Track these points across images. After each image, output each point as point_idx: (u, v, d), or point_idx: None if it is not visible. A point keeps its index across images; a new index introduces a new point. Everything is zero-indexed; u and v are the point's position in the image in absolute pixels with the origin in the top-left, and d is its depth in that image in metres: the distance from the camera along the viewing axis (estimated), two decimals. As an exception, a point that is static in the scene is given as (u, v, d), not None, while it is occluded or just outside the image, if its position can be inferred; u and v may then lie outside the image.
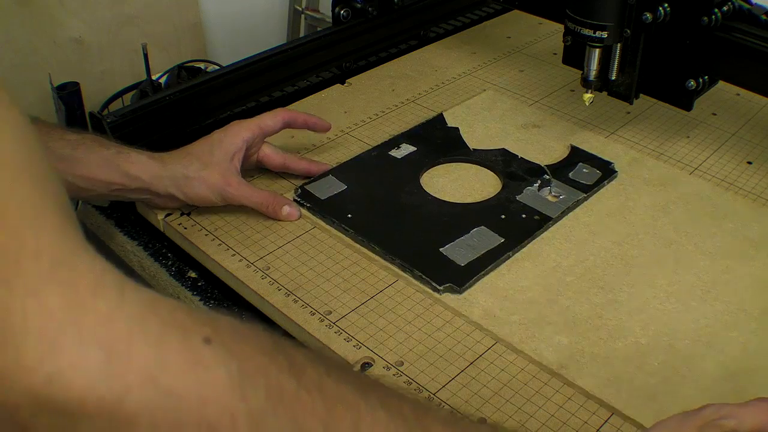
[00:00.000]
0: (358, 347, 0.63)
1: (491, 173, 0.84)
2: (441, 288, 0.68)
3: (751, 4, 0.86)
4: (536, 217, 0.76)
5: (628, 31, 0.79)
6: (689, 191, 0.81)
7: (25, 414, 0.29)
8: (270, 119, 0.78)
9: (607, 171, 0.83)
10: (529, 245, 0.73)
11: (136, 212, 0.81)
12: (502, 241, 0.73)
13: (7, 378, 0.29)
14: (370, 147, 0.87)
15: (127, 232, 0.79)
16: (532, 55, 1.10)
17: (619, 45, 0.82)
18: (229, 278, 0.71)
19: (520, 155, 0.85)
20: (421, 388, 0.60)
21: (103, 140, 0.73)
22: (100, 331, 0.30)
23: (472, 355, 0.63)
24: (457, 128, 0.90)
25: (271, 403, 0.33)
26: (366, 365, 0.62)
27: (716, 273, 0.70)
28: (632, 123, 0.94)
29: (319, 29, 1.45)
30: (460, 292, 0.68)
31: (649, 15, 0.78)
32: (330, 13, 1.06)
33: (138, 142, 0.85)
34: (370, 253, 0.72)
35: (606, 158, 0.85)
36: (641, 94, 0.87)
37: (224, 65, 0.96)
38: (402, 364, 0.62)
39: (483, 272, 0.69)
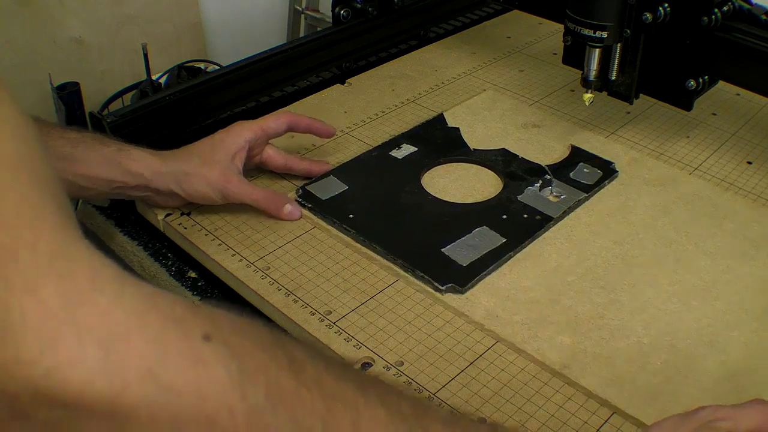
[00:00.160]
0: (358, 347, 0.63)
1: (492, 173, 0.84)
2: (443, 288, 0.68)
3: (751, 4, 0.86)
4: (537, 217, 0.76)
5: (628, 31, 0.79)
6: (689, 191, 0.81)
7: (25, 403, 0.29)
8: (273, 121, 0.78)
9: (607, 171, 0.83)
10: (530, 245, 0.73)
11: (136, 212, 0.81)
12: (504, 241, 0.73)
13: (6, 370, 0.29)
14: (371, 147, 0.87)
15: (127, 232, 0.79)
16: (532, 55, 1.10)
17: (619, 45, 0.82)
18: (229, 278, 0.71)
19: (520, 155, 0.85)
20: (421, 388, 0.60)
21: (103, 138, 0.73)
22: (98, 325, 0.30)
23: (472, 355, 0.63)
24: (458, 128, 0.90)
25: (270, 401, 0.33)
26: (366, 365, 0.62)
27: (717, 273, 0.70)
28: (632, 123, 0.94)
29: (319, 29, 1.45)
30: (462, 292, 0.68)
31: (649, 15, 0.78)
32: (330, 13, 1.06)
33: (138, 142, 0.85)
34: (371, 253, 0.72)
35: (606, 158, 0.85)
36: (641, 94, 0.87)
37: (224, 65, 0.96)
38: (402, 363, 0.62)
39: (485, 272, 0.69)
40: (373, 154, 0.86)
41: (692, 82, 0.82)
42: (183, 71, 1.40)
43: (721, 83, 0.87)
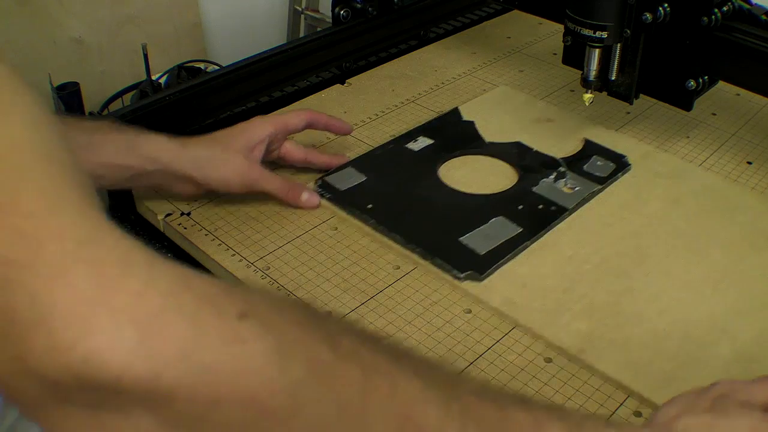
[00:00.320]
0: (358, 347, 0.63)
1: (507, 165, 0.85)
2: (462, 276, 0.69)
3: (751, 4, 0.86)
4: (552, 208, 0.77)
5: (628, 31, 0.79)
6: (700, 184, 0.82)
7: (67, 388, 0.29)
8: (294, 117, 0.78)
9: (620, 164, 0.84)
10: (546, 235, 0.75)
11: (136, 212, 0.81)
12: (520, 230, 0.74)
13: (43, 358, 0.29)
14: (371, 147, 0.87)
15: (126, 231, 0.79)
16: (532, 55, 1.10)
17: (619, 45, 0.82)
18: (229, 278, 0.71)
19: (534, 148, 0.87)
20: (421, 388, 0.60)
21: (120, 126, 0.73)
22: (132, 308, 0.30)
23: (472, 355, 0.63)
24: (473, 122, 0.92)
25: (309, 375, 0.33)
26: (366, 365, 0.62)
27: (728, 263, 0.72)
28: (632, 123, 0.94)
29: (319, 29, 1.45)
30: (480, 280, 0.69)
31: (649, 15, 0.78)
32: (330, 13, 1.06)
33: (138, 142, 0.85)
34: (390, 242, 0.73)
35: (618, 152, 0.86)
36: (641, 94, 0.87)
37: (224, 65, 0.96)
38: (402, 364, 0.62)
39: (502, 261, 0.71)
40: (389, 146, 0.87)
41: (692, 82, 0.82)
42: (183, 71, 1.40)
43: (721, 83, 0.87)
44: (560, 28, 0.85)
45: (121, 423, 0.31)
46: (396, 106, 0.97)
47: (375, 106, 0.97)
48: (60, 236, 0.30)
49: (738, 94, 0.99)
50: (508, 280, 0.69)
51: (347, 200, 0.78)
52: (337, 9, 1.03)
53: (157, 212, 0.77)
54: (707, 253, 0.73)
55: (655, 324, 0.65)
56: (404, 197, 0.79)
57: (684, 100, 0.84)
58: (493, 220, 0.75)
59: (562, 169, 0.83)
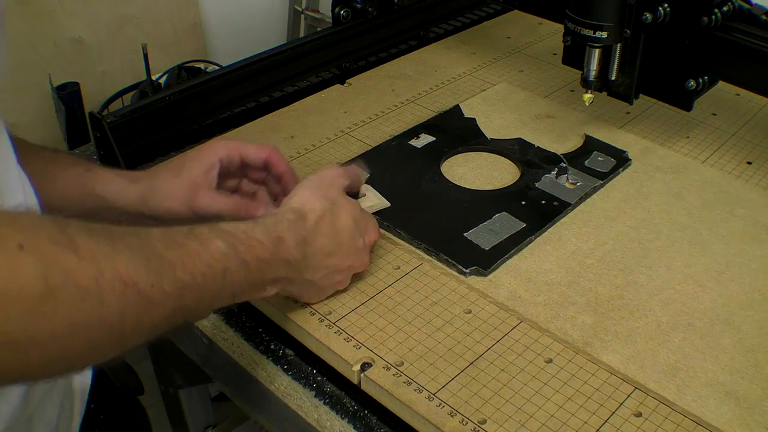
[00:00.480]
0: (358, 347, 0.63)
1: (509, 161, 0.86)
2: (467, 270, 0.70)
3: (751, 4, 0.86)
4: (555, 203, 0.78)
5: (628, 31, 0.79)
6: (701, 178, 0.83)
7: None
8: (255, 150, 0.72)
9: (621, 159, 0.85)
10: (549, 230, 0.76)
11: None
12: (524, 226, 0.75)
13: None
14: (370, 147, 0.87)
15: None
16: (532, 55, 1.10)
17: (619, 45, 0.82)
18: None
19: (536, 144, 0.88)
20: (421, 387, 0.60)
21: (76, 159, 0.71)
22: None
23: (472, 355, 0.63)
24: (474, 119, 0.92)
25: (64, 283, 0.41)
26: (366, 365, 0.62)
27: (730, 256, 0.73)
28: (632, 123, 0.94)
29: (319, 29, 1.45)
30: (485, 275, 0.70)
31: (649, 15, 0.78)
32: (330, 13, 1.06)
33: (138, 142, 0.85)
34: (395, 238, 0.74)
35: (619, 147, 0.87)
36: (641, 94, 0.87)
37: (224, 65, 0.96)
38: (402, 364, 0.62)
39: (507, 256, 0.72)
40: (392, 143, 0.88)
41: (692, 82, 0.82)
42: (183, 71, 1.40)
43: (721, 83, 0.87)
44: (560, 28, 0.85)
45: None
46: (396, 106, 0.97)
47: (375, 106, 0.97)
48: None
49: (738, 94, 0.99)
50: (513, 274, 0.70)
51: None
52: (337, 9, 1.03)
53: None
54: (709, 246, 0.74)
55: (659, 316, 0.66)
56: (408, 193, 0.80)
57: (684, 100, 0.84)
58: (496, 215, 0.76)
59: (563, 164, 0.84)
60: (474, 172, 0.84)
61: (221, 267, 0.52)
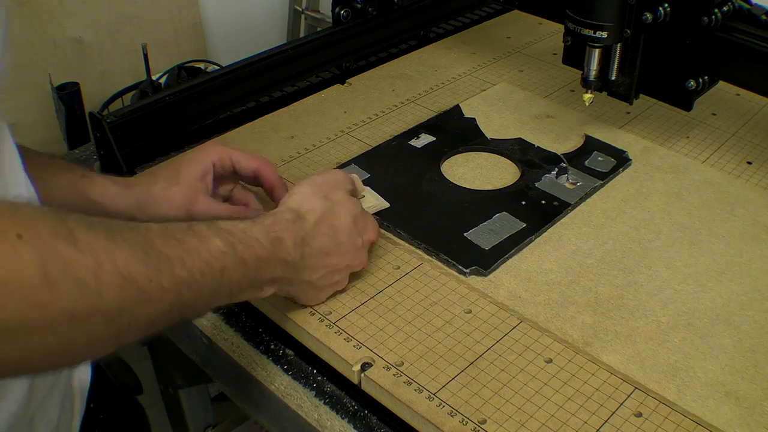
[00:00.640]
0: (358, 347, 0.63)
1: (509, 161, 0.86)
2: (467, 270, 0.70)
3: (751, 4, 0.86)
4: (555, 203, 0.78)
5: (628, 31, 0.79)
6: (701, 178, 0.83)
7: None
8: (245, 159, 0.72)
9: (621, 159, 0.85)
10: (549, 230, 0.76)
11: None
12: (524, 226, 0.75)
13: None
14: (370, 147, 0.87)
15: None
16: (532, 55, 1.10)
17: (619, 45, 0.82)
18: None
19: (536, 144, 0.88)
20: (421, 387, 0.60)
21: (71, 165, 0.71)
22: None
23: (472, 356, 0.63)
24: (474, 119, 0.92)
25: (63, 274, 0.41)
26: (366, 365, 0.62)
27: (730, 256, 0.73)
28: (632, 123, 0.94)
29: (319, 29, 1.45)
30: (485, 275, 0.70)
31: (649, 15, 0.78)
32: (330, 13, 1.06)
33: (138, 142, 0.85)
34: (394, 238, 0.74)
35: (619, 147, 0.87)
36: (641, 94, 0.87)
37: (224, 65, 0.96)
38: (402, 364, 0.62)
39: (507, 256, 0.72)
40: (392, 143, 0.88)
41: (692, 82, 0.82)
42: (183, 71, 1.40)
43: (721, 83, 0.87)
44: (560, 28, 0.85)
45: None
46: (396, 106, 0.97)
47: (375, 106, 0.97)
48: None
49: (738, 94, 0.99)
50: (513, 274, 0.70)
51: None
52: (337, 9, 1.03)
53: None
54: (709, 245, 0.74)
55: (659, 316, 0.66)
56: (408, 193, 0.80)
57: (684, 100, 0.84)
58: (496, 215, 0.76)
59: (563, 164, 0.84)
60: (474, 172, 0.84)
61: (219, 265, 0.52)
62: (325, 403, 0.62)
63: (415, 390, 0.59)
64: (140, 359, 1.07)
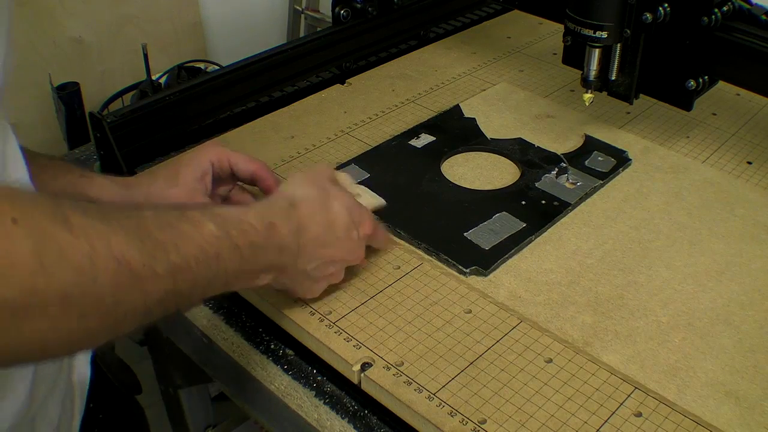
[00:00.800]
0: (358, 347, 0.63)
1: (509, 161, 0.86)
2: (467, 270, 0.70)
3: (751, 4, 0.86)
4: (555, 203, 0.78)
5: (628, 31, 0.79)
6: (701, 178, 0.83)
7: None
8: (243, 161, 0.72)
9: (621, 159, 0.85)
10: (549, 230, 0.76)
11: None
12: (524, 225, 0.75)
13: None
14: (370, 147, 0.87)
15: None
16: (532, 55, 1.10)
17: (619, 45, 0.82)
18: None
19: (536, 144, 0.88)
20: (421, 387, 0.60)
21: (70, 166, 0.71)
22: None
23: (472, 355, 0.63)
24: (474, 119, 0.92)
25: (58, 259, 0.41)
26: (366, 365, 0.62)
27: (730, 255, 0.73)
28: (632, 123, 0.94)
29: (319, 29, 1.45)
30: (485, 275, 0.70)
31: (649, 15, 0.78)
32: (330, 13, 1.06)
33: (138, 142, 0.85)
34: (395, 238, 0.74)
35: (619, 147, 0.87)
36: (641, 94, 0.87)
37: (224, 65, 0.96)
38: (402, 364, 0.62)
39: (507, 255, 0.72)
40: (392, 143, 0.88)
41: (692, 82, 0.82)
42: (183, 71, 1.40)
43: (721, 83, 0.87)
44: (560, 28, 0.85)
45: None
46: (396, 106, 0.97)
47: (375, 106, 0.97)
48: None
49: (738, 94, 0.99)
50: (513, 274, 0.70)
51: None
52: (337, 9, 1.03)
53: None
54: (709, 245, 0.74)
55: (659, 316, 0.66)
56: (408, 193, 0.80)
57: (684, 100, 0.84)
58: (496, 215, 0.76)
59: (563, 164, 0.84)
60: (474, 172, 0.84)
61: (214, 251, 0.52)
62: (325, 403, 0.62)
63: (415, 390, 0.59)
64: (140, 359, 1.07)
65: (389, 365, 0.61)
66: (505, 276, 0.70)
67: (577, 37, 0.81)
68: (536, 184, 0.81)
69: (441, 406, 0.58)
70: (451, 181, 0.82)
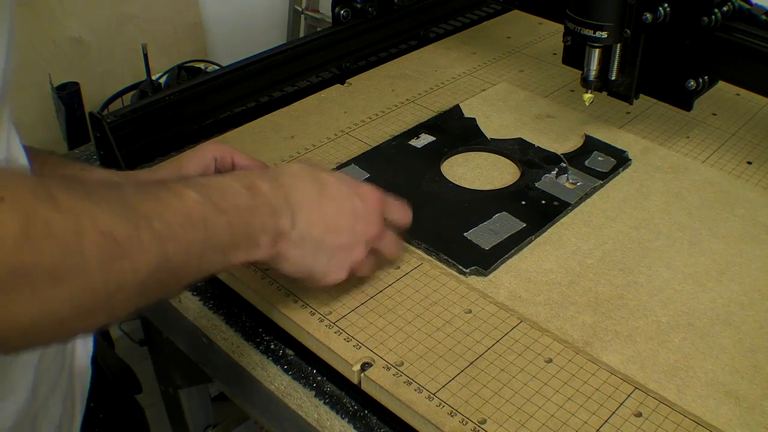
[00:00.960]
0: (358, 347, 0.63)
1: (509, 161, 0.86)
2: (467, 270, 0.70)
3: (751, 4, 0.86)
4: (555, 203, 0.79)
5: (628, 31, 0.79)
6: (701, 178, 0.83)
7: None
8: (245, 159, 0.72)
9: (621, 159, 0.85)
10: (549, 230, 0.76)
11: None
12: (524, 226, 0.75)
13: None
14: (370, 147, 0.87)
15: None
16: (532, 55, 1.10)
17: (619, 45, 0.82)
18: (228, 278, 0.71)
19: (536, 144, 0.88)
20: (421, 387, 0.60)
21: (71, 160, 0.71)
22: None
23: (472, 355, 0.63)
24: (474, 119, 0.92)
25: (45, 234, 0.41)
26: (366, 365, 0.62)
27: (730, 256, 0.73)
28: (632, 123, 0.94)
29: (319, 29, 1.45)
30: (485, 275, 0.70)
31: (649, 15, 0.78)
32: (330, 13, 1.06)
33: (138, 142, 0.86)
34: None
35: (619, 147, 0.87)
36: (641, 94, 0.87)
37: (224, 65, 0.96)
38: (402, 364, 0.62)
39: (507, 255, 0.72)
40: (392, 143, 0.88)
41: (692, 82, 0.82)
42: (183, 71, 1.40)
43: (721, 83, 0.87)
44: (560, 28, 0.85)
45: None
46: (396, 106, 0.97)
47: (375, 106, 0.97)
48: None
49: (738, 94, 0.99)
50: (513, 274, 0.70)
51: None
52: (337, 9, 1.03)
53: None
54: (709, 245, 0.74)
55: (659, 316, 0.66)
56: (408, 193, 0.79)
57: (684, 100, 0.84)
58: (496, 215, 0.76)
59: (563, 164, 0.84)
60: (474, 172, 0.84)
61: (200, 216, 0.51)
62: (325, 403, 0.62)
63: (415, 390, 0.59)
64: (140, 359, 1.07)
65: (389, 365, 0.61)
66: (505, 276, 0.70)
67: (577, 37, 0.81)
68: (536, 184, 0.81)
69: (441, 406, 0.58)
70: (451, 181, 0.82)
